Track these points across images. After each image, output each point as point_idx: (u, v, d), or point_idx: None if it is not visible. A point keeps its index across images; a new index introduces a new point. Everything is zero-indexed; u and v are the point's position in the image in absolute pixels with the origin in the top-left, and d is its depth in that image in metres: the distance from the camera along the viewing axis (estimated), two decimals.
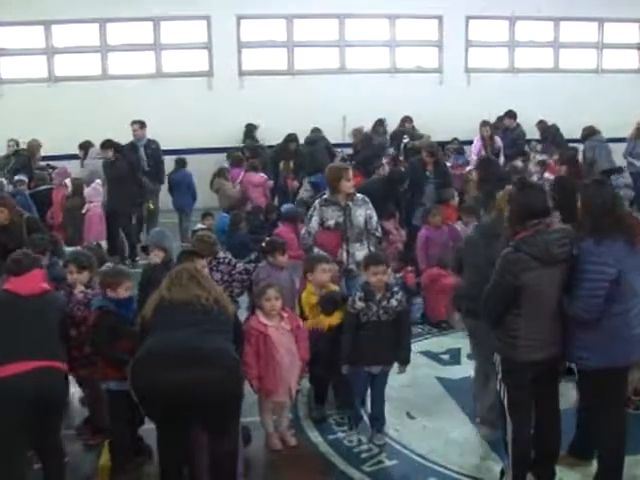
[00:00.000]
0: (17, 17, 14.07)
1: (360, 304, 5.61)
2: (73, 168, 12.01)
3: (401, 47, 16.09)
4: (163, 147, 12.19)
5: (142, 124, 11.88)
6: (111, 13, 14.37)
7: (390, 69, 16.01)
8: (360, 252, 6.86)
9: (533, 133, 15.15)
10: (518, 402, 4.66)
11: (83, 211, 10.73)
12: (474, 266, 5.32)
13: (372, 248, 7.03)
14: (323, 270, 6.10)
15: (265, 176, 12.38)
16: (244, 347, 5.18)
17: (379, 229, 7.23)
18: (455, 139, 14.49)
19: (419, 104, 14.54)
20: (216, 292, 4.78)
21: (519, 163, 12.09)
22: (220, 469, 4.63)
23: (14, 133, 12.90)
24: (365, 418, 5.96)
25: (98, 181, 11.00)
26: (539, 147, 14.39)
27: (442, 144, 13.19)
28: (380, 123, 14.18)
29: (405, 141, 13.41)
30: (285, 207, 10.81)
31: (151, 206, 11.82)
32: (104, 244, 10.41)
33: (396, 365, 5.81)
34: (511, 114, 14.49)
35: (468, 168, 11.88)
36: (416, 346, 6.37)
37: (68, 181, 11.36)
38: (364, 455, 5.54)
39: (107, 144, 11.31)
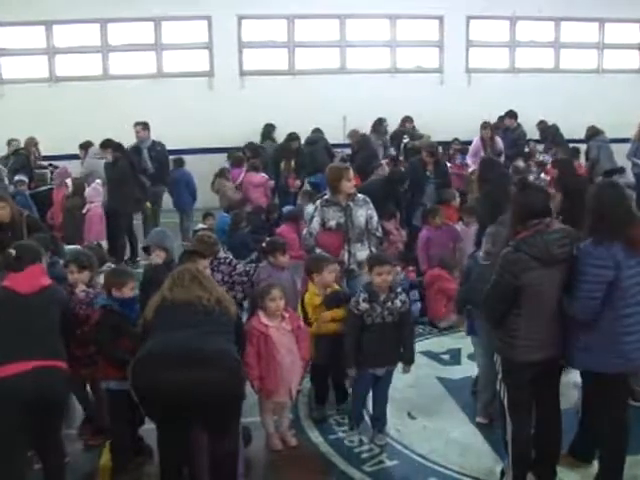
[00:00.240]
0: (18, 17, 14.06)
1: (364, 305, 5.57)
2: (74, 168, 12.03)
3: (402, 47, 16.09)
4: None
5: (145, 125, 11.77)
6: (112, 13, 14.36)
7: (391, 69, 16.01)
8: (361, 252, 6.86)
9: (534, 133, 15.17)
10: (518, 402, 4.67)
11: (84, 211, 10.74)
12: None
13: (373, 248, 7.01)
14: (329, 271, 6.14)
15: (266, 176, 12.39)
16: (246, 348, 5.20)
17: (380, 229, 7.21)
18: (456, 139, 14.49)
19: (420, 104, 14.54)
20: (218, 293, 4.78)
21: (520, 163, 12.10)
22: (220, 469, 4.63)
23: (15, 133, 12.93)
24: (366, 418, 5.97)
25: (98, 181, 11.01)
26: (540, 147, 14.41)
27: (443, 144, 13.22)
28: (380, 122, 14.18)
29: (405, 141, 13.41)
30: (287, 208, 10.83)
31: (148, 205, 11.78)
32: (104, 244, 10.42)
33: (400, 365, 5.79)
34: (512, 114, 14.49)
35: (471, 168, 11.90)
36: (417, 346, 6.35)
37: (69, 181, 11.38)
38: (365, 455, 5.54)
39: (106, 144, 11.30)
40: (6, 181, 10.93)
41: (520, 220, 4.55)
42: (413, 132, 13.98)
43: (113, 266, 6.58)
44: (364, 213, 6.95)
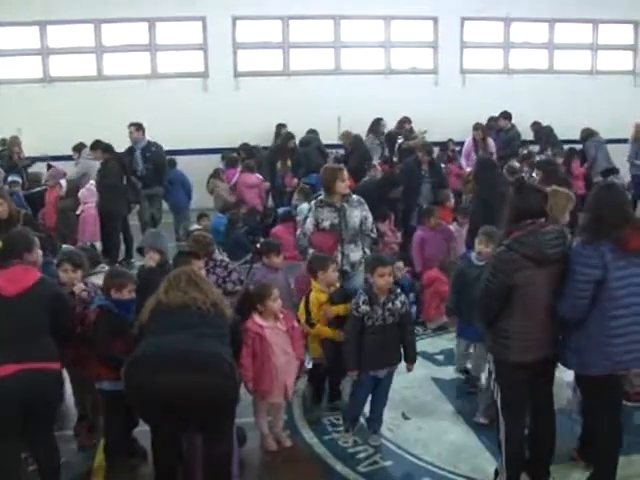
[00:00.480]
0: (12, 17, 14.03)
1: (364, 308, 5.54)
2: (68, 169, 12.01)
3: (396, 48, 16.11)
4: None
5: (138, 126, 11.64)
6: (106, 14, 14.34)
7: (385, 70, 16.02)
8: (355, 254, 6.85)
9: (528, 134, 15.21)
10: (511, 402, 4.68)
11: (77, 212, 10.73)
12: None
13: (367, 250, 7.01)
14: (333, 269, 6.18)
15: (260, 177, 12.40)
16: (241, 350, 5.19)
17: (374, 230, 7.20)
18: (450, 140, 14.52)
19: (414, 105, 14.53)
20: (214, 295, 4.77)
21: (516, 164, 12.12)
22: (215, 470, 4.63)
23: (9, 134, 12.88)
24: (361, 419, 5.97)
25: (92, 182, 11.00)
26: (536, 148, 14.42)
27: (438, 145, 13.24)
28: (378, 122, 14.17)
29: (399, 141, 13.40)
30: (282, 210, 10.86)
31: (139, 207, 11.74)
32: (98, 245, 10.42)
33: (398, 366, 5.78)
34: (506, 115, 14.52)
35: (469, 169, 11.92)
36: None
37: (63, 181, 11.36)
38: (359, 456, 5.55)
39: (95, 145, 11.29)
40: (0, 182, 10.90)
41: (515, 220, 4.57)
42: (408, 133, 13.95)
43: (106, 267, 6.55)
44: (359, 214, 6.93)
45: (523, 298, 4.45)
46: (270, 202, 13.13)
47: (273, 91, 14.81)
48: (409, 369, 5.81)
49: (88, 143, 11.70)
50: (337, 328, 5.88)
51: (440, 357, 7.40)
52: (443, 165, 12.10)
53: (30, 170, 12.62)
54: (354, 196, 7.08)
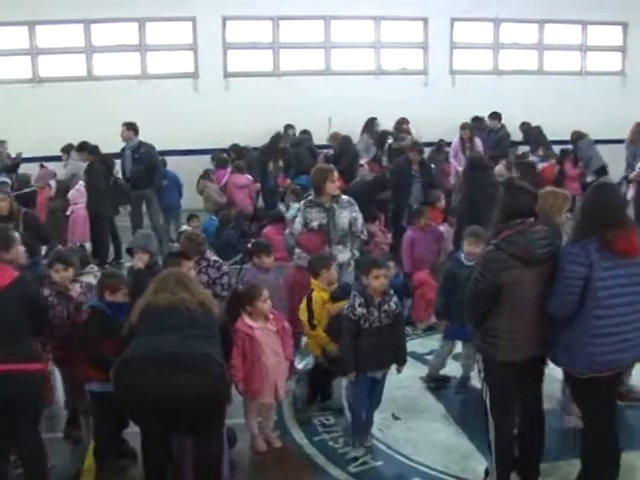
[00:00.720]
0: (0, 17, 13.95)
1: (360, 310, 5.49)
2: (59, 170, 11.99)
3: (386, 49, 16.11)
4: None
5: (129, 126, 11.46)
6: (96, 14, 14.28)
7: (375, 71, 16.03)
8: (343, 254, 6.85)
9: (518, 134, 15.25)
10: (500, 401, 4.69)
11: (67, 213, 10.71)
12: None
13: (355, 251, 7.02)
14: (334, 268, 6.24)
15: (250, 178, 12.39)
16: (232, 351, 5.19)
17: (365, 232, 7.20)
18: (441, 140, 14.56)
19: (404, 106, 14.53)
20: (201, 295, 4.78)
21: (502, 169, 12.09)
22: (205, 471, 4.64)
23: None
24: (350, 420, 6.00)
25: (81, 183, 10.97)
26: (526, 149, 14.45)
27: (427, 145, 13.25)
28: (372, 122, 14.17)
29: (389, 142, 13.41)
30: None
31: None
32: (88, 246, 10.40)
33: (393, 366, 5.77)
34: (495, 115, 14.56)
35: (459, 168, 11.95)
36: None
37: (53, 182, 11.34)
38: (349, 456, 5.55)
39: (82, 146, 11.25)
40: None
41: (504, 219, 4.58)
42: (398, 133, 13.95)
43: (96, 268, 6.54)
44: (348, 215, 6.94)
45: (511, 297, 4.46)
46: (261, 203, 13.13)
47: (263, 91, 14.79)
48: (399, 371, 5.80)
49: (77, 144, 11.67)
50: (335, 334, 5.82)
51: (430, 357, 7.40)
52: (433, 165, 12.11)
53: (20, 171, 12.58)
54: (344, 197, 7.09)
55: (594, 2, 15.97)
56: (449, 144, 13.88)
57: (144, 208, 11.59)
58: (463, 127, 13.21)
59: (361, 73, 15.89)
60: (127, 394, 4.37)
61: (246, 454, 5.65)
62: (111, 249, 11.15)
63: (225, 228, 10.79)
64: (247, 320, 5.48)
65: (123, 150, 11.56)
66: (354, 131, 13.87)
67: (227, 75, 15.34)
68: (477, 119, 14.34)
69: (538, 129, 14.95)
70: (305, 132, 14.11)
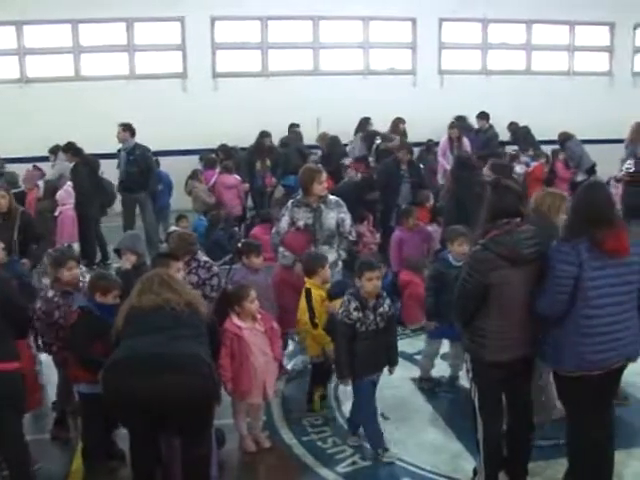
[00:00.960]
0: None
1: (356, 314, 5.45)
2: (47, 170, 11.93)
3: (375, 49, 16.13)
4: None
5: (125, 127, 11.18)
6: (84, 14, 14.22)
7: (364, 71, 16.04)
8: (329, 255, 6.80)
9: (506, 134, 15.30)
10: (489, 401, 4.70)
11: (55, 213, 10.67)
12: None
13: (342, 252, 7.01)
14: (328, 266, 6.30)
15: (239, 178, 12.38)
16: (220, 350, 5.19)
17: (353, 233, 7.19)
18: (430, 140, 14.59)
19: (393, 106, 14.53)
20: (188, 295, 4.76)
21: (487, 172, 12.07)
22: (193, 472, 4.63)
23: None
24: (341, 421, 6.00)
25: (69, 183, 10.94)
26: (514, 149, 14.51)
27: (416, 145, 13.28)
28: (366, 121, 14.17)
29: (377, 142, 13.40)
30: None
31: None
32: (76, 246, 10.37)
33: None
34: (483, 115, 14.59)
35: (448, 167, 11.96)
36: None
37: (41, 183, 11.30)
38: (338, 456, 5.56)
39: (67, 147, 11.18)
40: None
41: (491, 219, 4.59)
42: (385, 134, 13.94)
43: (84, 268, 6.53)
44: (335, 216, 6.94)
45: (499, 297, 4.47)
46: (249, 203, 13.12)
47: (252, 92, 14.77)
48: (391, 372, 5.80)
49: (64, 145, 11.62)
50: (334, 332, 5.78)
51: (418, 357, 7.41)
52: (422, 165, 12.13)
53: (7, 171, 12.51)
54: (332, 197, 7.09)
55: (582, 2, 16.04)
56: (438, 144, 13.90)
57: (137, 210, 11.45)
58: (452, 126, 13.23)
59: (350, 73, 15.89)
60: (115, 396, 4.37)
61: (235, 454, 5.64)
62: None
63: (214, 228, 10.78)
64: (235, 320, 5.48)
65: (119, 151, 11.41)
66: (342, 131, 13.88)
67: (216, 75, 15.32)
68: (460, 118, 14.26)
69: (526, 129, 15.01)
70: (293, 126, 14.10)
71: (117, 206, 11.52)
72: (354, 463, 5.48)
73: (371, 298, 5.51)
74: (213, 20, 15.13)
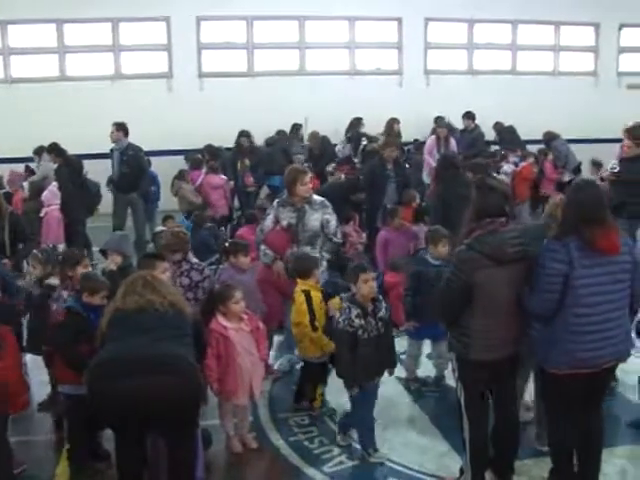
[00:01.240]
0: None
1: (358, 322, 5.37)
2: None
3: (361, 49, 16.15)
4: None
5: (119, 126, 11.02)
6: (69, 14, 14.19)
7: (350, 71, 16.06)
8: None
9: (492, 134, 15.34)
10: (474, 400, 4.71)
11: (41, 214, 10.62)
12: None
13: (325, 253, 6.98)
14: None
15: (225, 177, 12.36)
16: (206, 351, 5.18)
17: (338, 234, 7.15)
18: (416, 140, 14.61)
19: (379, 105, 14.54)
20: (172, 296, 4.74)
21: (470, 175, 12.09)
22: (179, 473, 4.62)
23: None
24: (328, 420, 6.00)
25: (54, 184, 10.88)
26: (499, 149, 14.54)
27: (404, 145, 13.31)
28: (358, 122, 14.16)
29: (364, 143, 13.40)
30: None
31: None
32: (62, 247, 10.30)
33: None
34: (469, 115, 14.62)
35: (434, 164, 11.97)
36: None
37: (26, 184, 11.23)
38: (325, 456, 5.56)
39: (50, 148, 11.11)
40: None
41: (476, 218, 4.59)
42: (371, 135, 13.92)
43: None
44: (319, 217, 6.92)
45: (484, 297, 4.47)
46: (236, 203, 13.10)
47: (237, 92, 14.75)
48: (390, 373, 5.77)
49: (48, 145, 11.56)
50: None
51: (404, 357, 7.43)
52: (408, 165, 12.14)
53: None
54: (317, 198, 7.08)
55: (567, 3, 16.16)
56: (423, 144, 13.91)
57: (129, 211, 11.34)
58: (440, 125, 13.23)
59: (336, 73, 15.90)
60: (100, 398, 4.35)
61: (221, 455, 5.63)
62: None
63: (199, 229, 10.74)
64: (221, 320, 5.47)
65: (112, 151, 11.29)
66: (328, 131, 13.91)
67: (201, 75, 15.30)
68: (439, 118, 14.15)
69: (511, 129, 15.05)
70: (280, 132, 14.08)
71: (104, 207, 11.45)
72: (341, 463, 5.48)
73: (368, 302, 5.46)
74: (199, 20, 15.10)
